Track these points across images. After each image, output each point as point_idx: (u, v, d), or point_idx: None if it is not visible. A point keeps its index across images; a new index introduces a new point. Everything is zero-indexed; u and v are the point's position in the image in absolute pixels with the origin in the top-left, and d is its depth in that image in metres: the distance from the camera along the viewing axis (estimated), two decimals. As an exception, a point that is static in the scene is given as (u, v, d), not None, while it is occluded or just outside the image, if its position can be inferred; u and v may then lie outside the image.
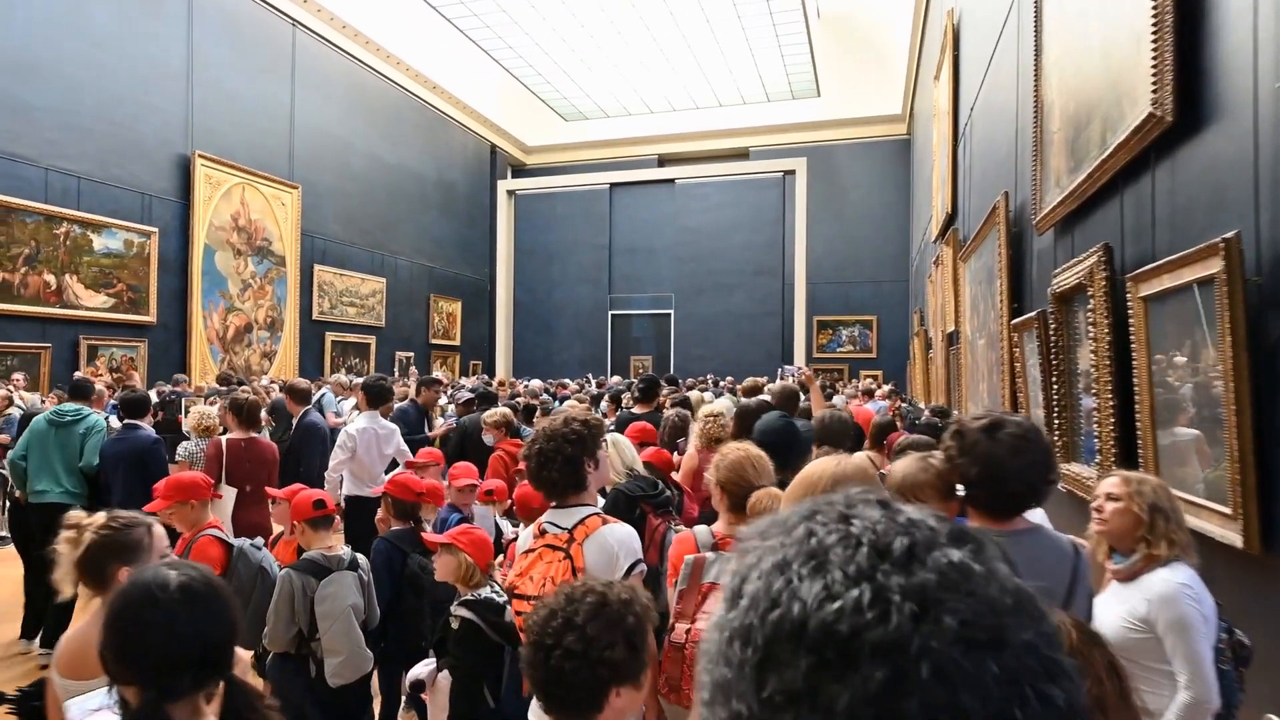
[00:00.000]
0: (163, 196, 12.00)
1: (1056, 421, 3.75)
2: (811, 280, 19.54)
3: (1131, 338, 2.73)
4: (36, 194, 10.17)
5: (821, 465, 2.16)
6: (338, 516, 3.73)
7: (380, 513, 4.03)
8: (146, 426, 5.82)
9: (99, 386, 7.16)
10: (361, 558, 3.52)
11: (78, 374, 8.33)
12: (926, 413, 6.04)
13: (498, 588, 2.96)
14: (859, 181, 19.97)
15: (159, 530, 2.35)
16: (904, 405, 10.52)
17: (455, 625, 2.84)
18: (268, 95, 14.10)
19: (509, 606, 2.67)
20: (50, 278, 10.33)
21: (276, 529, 4.67)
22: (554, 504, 2.67)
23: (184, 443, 6.18)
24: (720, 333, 20.17)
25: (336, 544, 3.50)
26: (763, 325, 20.07)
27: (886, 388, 12.97)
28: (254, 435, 5.54)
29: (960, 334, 7.66)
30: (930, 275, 10.99)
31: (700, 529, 2.83)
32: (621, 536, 2.56)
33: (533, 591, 2.49)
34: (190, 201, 12.36)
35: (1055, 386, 3.77)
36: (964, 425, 2.10)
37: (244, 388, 8.21)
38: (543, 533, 2.62)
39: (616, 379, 13.67)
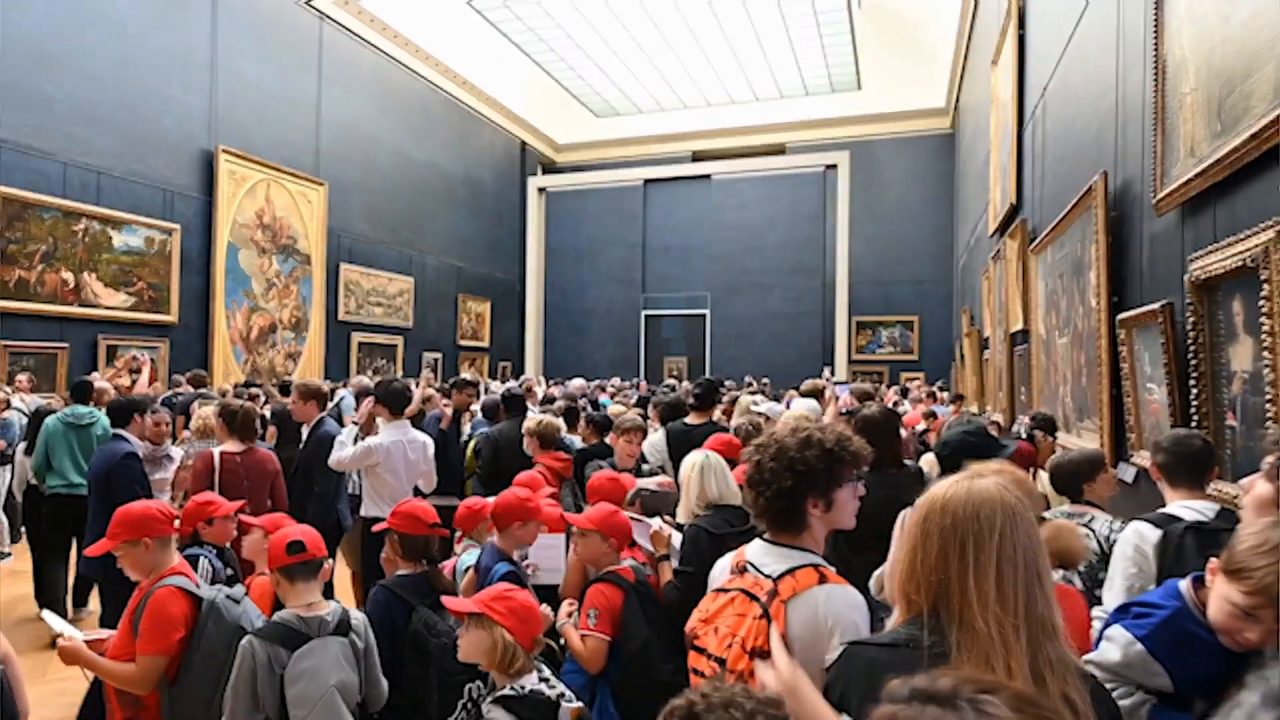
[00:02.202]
0: (185, 193, 11.64)
1: (1197, 431, 3.16)
2: (851, 279, 18.95)
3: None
4: (55, 189, 9.81)
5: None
6: (328, 562, 2.88)
7: (385, 551, 3.25)
8: (131, 438, 5.31)
9: (100, 385, 6.97)
10: (358, 616, 2.75)
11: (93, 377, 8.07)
12: (1026, 421, 5.41)
13: (547, 674, 2.28)
14: (899, 178, 19.34)
15: None
16: (965, 411, 9.91)
17: None
18: (294, 89, 13.74)
19: (569, 706, 2.05)
20: (68, 275, 9.97)
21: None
22: (765, 535, 2.06)
23: (180, 448, 5.73)
24: (757, 333, 19.55)
25: (321, 601, 2.71)
26: (801, 326, 19.43)
27: (936, 391, 12.39)
28: (251, 446, 4.95)
29: (1031, 333, 7.08)
30: (985, 271, 10.36)
31: None
32: (839, 608, 1.88)
33: (715, 650, 1.89)
34: (213, 198, 11.99)
35: (1195, 391, 3.19)
36: None
37: (250, 389, 7.68)
38: (743, 570, 2.02)
39: (678, 384, 12.75)
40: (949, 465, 2.73)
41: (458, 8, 16.11)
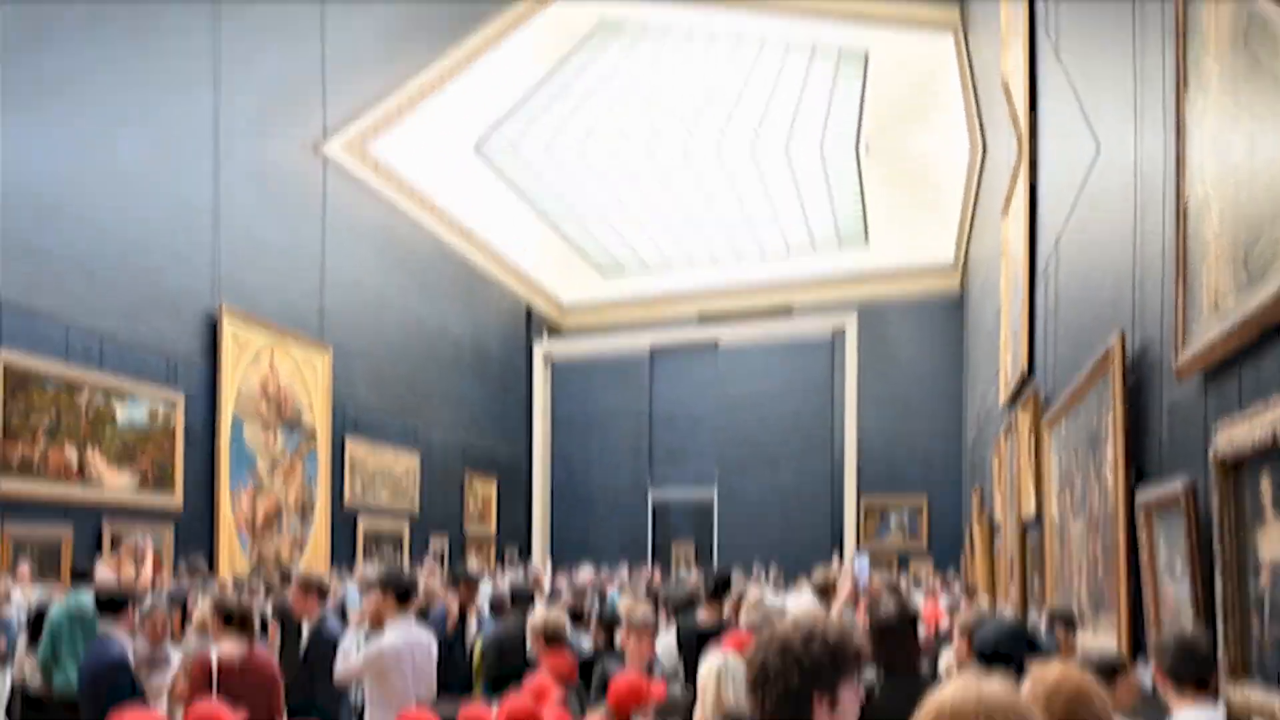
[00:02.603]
0: (189, 358, 11.48)
1: (1222, 629, 2.83)
2: (859, 456, 18.78)
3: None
4: (57, 351, 9.65)
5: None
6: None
7: None
8: (120, 637, 5.01)
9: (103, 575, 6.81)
10: None
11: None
12: (1043, 620, 5.12)
13: None
14: (907, 342, 19.31)
15: None
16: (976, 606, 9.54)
17: None
18: (297, 243, 13.70)
19: None
20: (71, 453, 9.76)
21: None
22: None
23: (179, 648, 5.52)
24: (765, 514, 19.21)
25: None
26: (810, 506, 19.11)
27: (949, 581, 12.03)
28: (251, 647, 4.60)
29: (1044, 517, 6.71)
30: (996, 447, 10.08)
31: None
32: None
33: None
34: (217, 363, 11.83)
35: (1220, 582, 2.88)
36: None
37: (251, 582, 7.44)
38: None
39: (692, 577, 12.40)
40: (994, 663, 2.57)
41: (464, 155, 16.41)
